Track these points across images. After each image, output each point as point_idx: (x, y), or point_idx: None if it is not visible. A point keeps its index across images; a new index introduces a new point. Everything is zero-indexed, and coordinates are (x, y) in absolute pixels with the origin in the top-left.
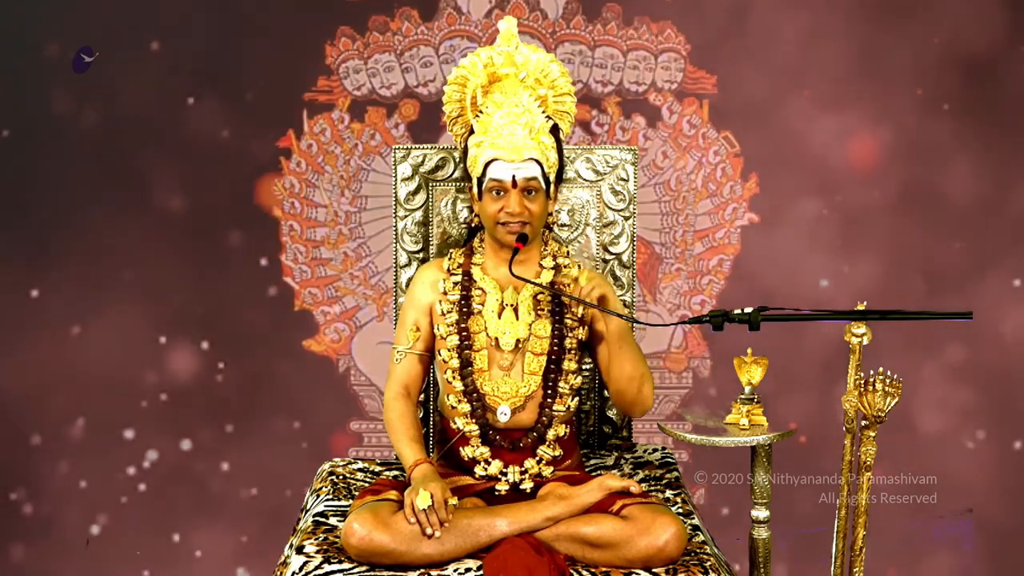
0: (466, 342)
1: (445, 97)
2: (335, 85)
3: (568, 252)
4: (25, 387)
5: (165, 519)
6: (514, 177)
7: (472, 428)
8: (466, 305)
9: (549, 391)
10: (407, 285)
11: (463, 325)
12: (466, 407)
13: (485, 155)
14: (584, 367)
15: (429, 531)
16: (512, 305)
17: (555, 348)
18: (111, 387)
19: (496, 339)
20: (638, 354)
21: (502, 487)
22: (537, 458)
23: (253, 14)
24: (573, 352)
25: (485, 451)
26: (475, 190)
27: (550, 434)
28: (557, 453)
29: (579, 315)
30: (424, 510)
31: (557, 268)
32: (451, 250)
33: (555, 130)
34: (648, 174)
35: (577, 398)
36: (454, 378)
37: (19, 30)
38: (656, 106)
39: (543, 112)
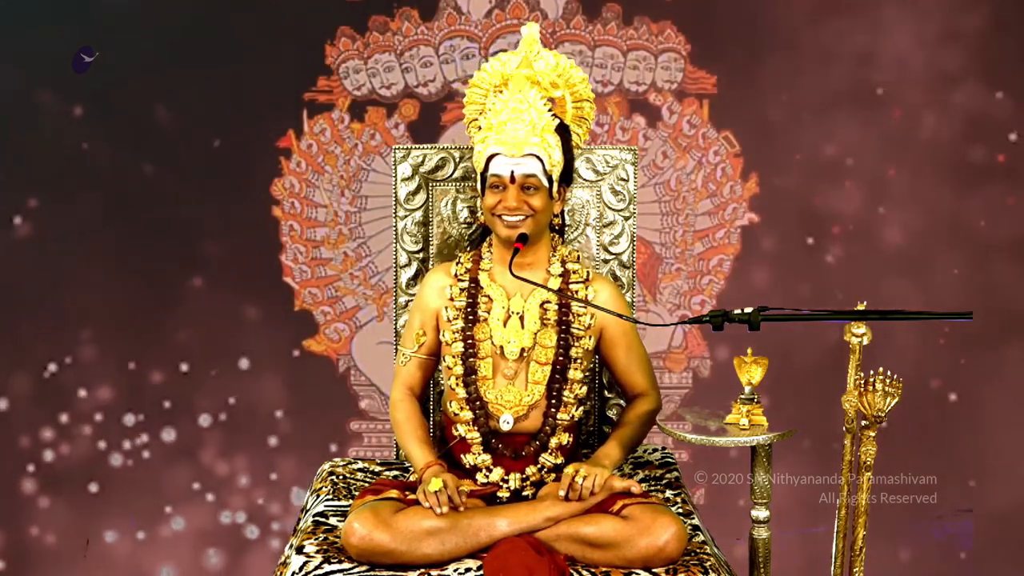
0: (471, 350)
1: (466, 99)
2: (335, 85)
3: (579, 257)
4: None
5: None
6: (512, 173)
7: (474, 435)
8: (472, 312)
9: (553, 400)
10: (407, 285)
11: (468, 332)
12: (468, 414)
13: (488, 150)
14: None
15: (438, 509)
16: (518, 313)
17: (560, 358)
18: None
19: (501, 347)
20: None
21: (503, 494)
22: (539, 466)
23: (253, 14)
24: (579, 361)
25: (487, 458)
26: (479, 186)
27: (553, 442)
28: (559, 461)
29: (587, 323)
30: (436, 492)
31: (566, 273)
32: (460, 254)
33: (562, 129)
34: (648, 174)
35: (582, 407)
36: (457, 385)
37: None
38: (656, 106)
39: (550, 112)
